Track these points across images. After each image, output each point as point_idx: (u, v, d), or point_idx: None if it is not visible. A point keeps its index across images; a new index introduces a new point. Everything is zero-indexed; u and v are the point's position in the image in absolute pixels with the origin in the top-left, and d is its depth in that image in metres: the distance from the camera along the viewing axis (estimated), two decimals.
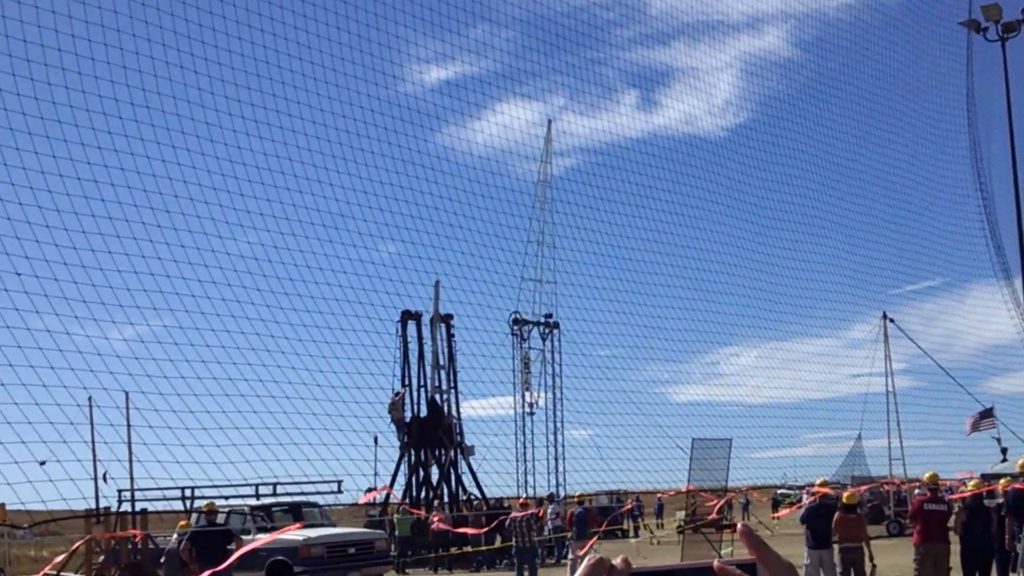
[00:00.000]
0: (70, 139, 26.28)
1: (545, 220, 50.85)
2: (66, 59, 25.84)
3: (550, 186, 50.56)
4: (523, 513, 30.32)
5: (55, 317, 25.19)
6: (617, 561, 1.08)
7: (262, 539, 23.54)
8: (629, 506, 48.29)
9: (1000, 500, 19.90)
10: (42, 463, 24.44)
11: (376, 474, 42.46)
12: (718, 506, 33.80)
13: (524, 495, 39.73)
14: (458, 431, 46.83)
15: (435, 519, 38.63)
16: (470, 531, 33.35)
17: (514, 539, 30.62)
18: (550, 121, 46.40)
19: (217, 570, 18.99)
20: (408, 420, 45.60)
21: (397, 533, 37.60)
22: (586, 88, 43.95)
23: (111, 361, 26.90)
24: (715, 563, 1.07)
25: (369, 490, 41.13)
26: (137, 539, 24.83)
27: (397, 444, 45.61)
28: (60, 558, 24.33)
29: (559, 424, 55.59)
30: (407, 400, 46.33)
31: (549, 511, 40.69)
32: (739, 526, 1.18)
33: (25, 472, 23.50)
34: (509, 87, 42.56)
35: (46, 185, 25.57)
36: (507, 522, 31.52)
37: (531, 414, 55.01)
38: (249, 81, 30.88)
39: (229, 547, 20.33)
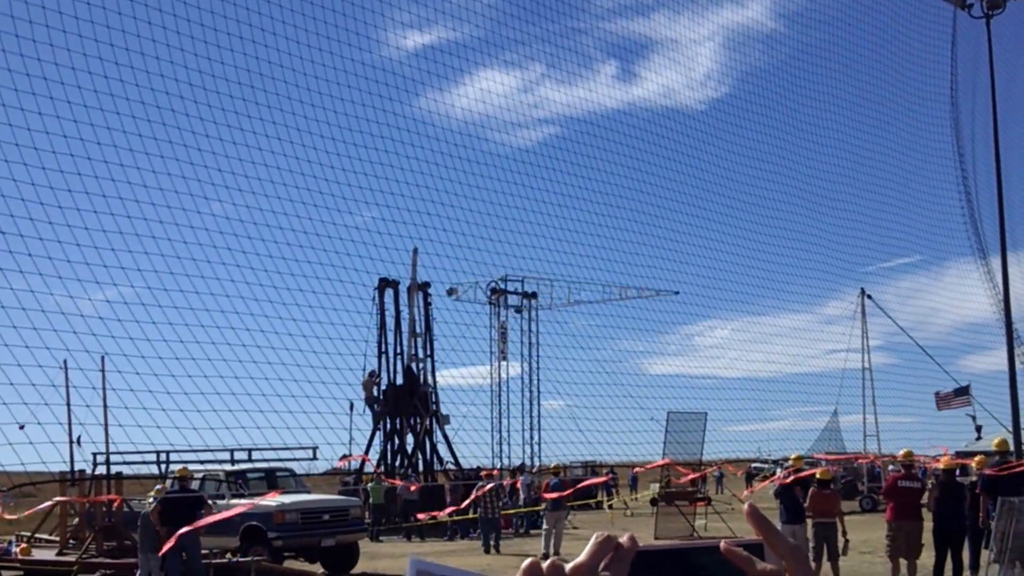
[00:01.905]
0: (53, 96, 26.06)
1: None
2: (45, 16, 25.59)
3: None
4: (488, 487, 30.39)
5: (38, 277, 25.05)
6: (624, 539, 1.07)
7: (234, 509, 23.58)
8: (605, 479, 48.43)
9: (974, 478, 20.01)
10: (21, 427, 24.36)
11: (352, 440, 42.57)
12: (690, 478, 33.97)
13: (491, 467, 39.73)
14: (434, 400, 46.84)
15: (412, 488, 38.68)
16: (440, 514, 33.42)
17: (479, 509, 30.77)
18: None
19: (181, 532, 19.02)
20: (381, 399, 45.58)
21: (371, 501, 37.62)
22: (565, 56, 43.76)
23: (89, 323, 26.79)
24: (722, 544, 1.06)
25: (344, 456, 41.22)
26: (116, 505, 24.78)
27: (371, 415, 45.67)
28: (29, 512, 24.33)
29: (535, 394, 55.75)
30: (383, 371, 46.32)
31: (522, 481, 40.80)
32: (746, 507, 1.13)
33: (5, 434, 23.41)
34: (489, 53, 42.28)
35: (31, 141, 25.37)
36: (473, 492, 31.66)
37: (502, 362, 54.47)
38: (232, 43, 30.63)
39: (200, 513, 20.30)
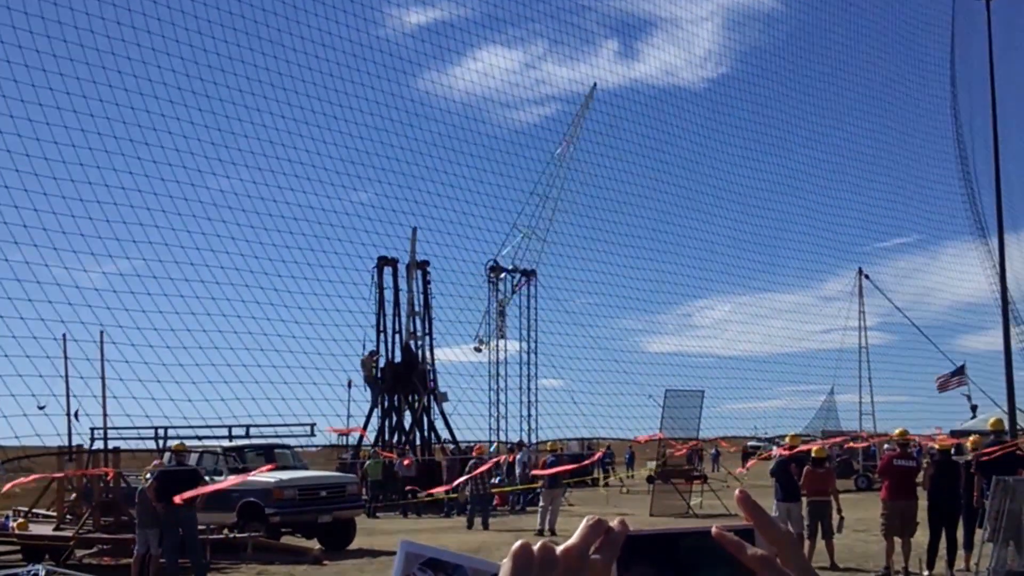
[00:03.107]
0: (49, 70, 26.03)
1: (558, 175, 50.42)
2: None
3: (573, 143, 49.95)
4: (483, 468, 30.43)
5: (34, 249, 25.09)
6: (614, 523, 1.07)
7: (230, 480, 23.64)
8: (600, 454, 48.47)
9: (969, 457, 20.06)
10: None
11: (350, 415, 42.61)
12: (684, 450, 34.05)
13: (480, 443, 39.74)
14: (432, 377, 46.87)
15: (406, 463, 38.75)
16: (438, 490, 33.53)
17: (470, 486, 30.82)
18: (595, 84, 45.76)
19: (185, 497, 19.10)
20: (380, 378, 45.59)
21: (368, 478, 37.71)
22: (567, 32, 43.69)
23: (87, 295, 26.84)
24: (713, 529, 1.07)
25: (341, 433, 41.34)
26: (109, 477, 24.80)
27: (370, 393, 45.69)
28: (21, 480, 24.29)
29: (533, 373, 55.75)
30: (382, 349, 46.34)
31: (518, 458, 40.87)
32: (737, 492, 1.14)
33: (2, 410, 23.47)
34: (488, 34, 42.23)
35: (26, 114, 25.36)
36: (465, 468, 31.74)
37: (478, 351, 54.52)
38: (234, 22, 30.58)
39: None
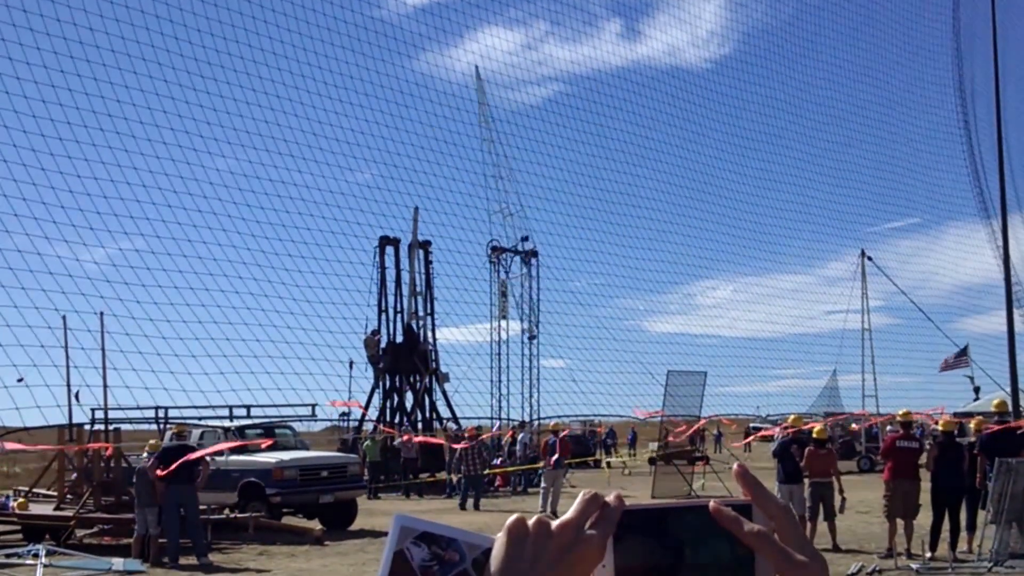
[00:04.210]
0: (42, 47, 25.90)
1: (497, 153, 50.54)
2: None
3: (494, 122, 50.16)
4: (464, 444, 30.43)
5: (39, 231, 25.03)
6: (610, 498, 1.07)
7: (224, 445, 23.58)
8: (599, 429, 48.51)
9: (972, 438, 19.98)
10: (20, 379, 24.38)
11: (351, 395, 42.56)
12: (688, 433, 33.99)
13: (471, 426, 39.72)
14: (433, 358, 46.82)
15: (404, 439, 38.71)
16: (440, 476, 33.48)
17: (463, 467, 30.81)
18: (476, 68, 45.56)
19: (170, 470, 19.10)
20: (382, 355, 45.54)
21: (368, 459, 37.72)
22: (569, 14, 43.54)
23: (89, 279, 26.78)
24: (711, 504, 1.06)
25: (342, 415, 41.33)
26: (107, 453, 24.79)
27: (372, 373, 45.66)
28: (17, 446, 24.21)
29: (535, 353, 55.72)
30: (383, 329, 46.28)
31: (519, 439, 40.85)
32: (735, 467, 1.13)
33: (10, 393, 23.45)
34: (492, 9, 42.06)
35: (12, 105, 25.21)
36: (456, 452, 31.72)
37: (532, 337, 54.80)
38: (235, 2, 30.42)
39: (197, 468, 20.28)
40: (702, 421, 36.65)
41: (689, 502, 1.07)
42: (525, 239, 53.21)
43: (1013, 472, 16.65)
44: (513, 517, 1.04)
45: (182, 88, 29.34)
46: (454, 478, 32.93)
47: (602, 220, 46.45)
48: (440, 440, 30.56)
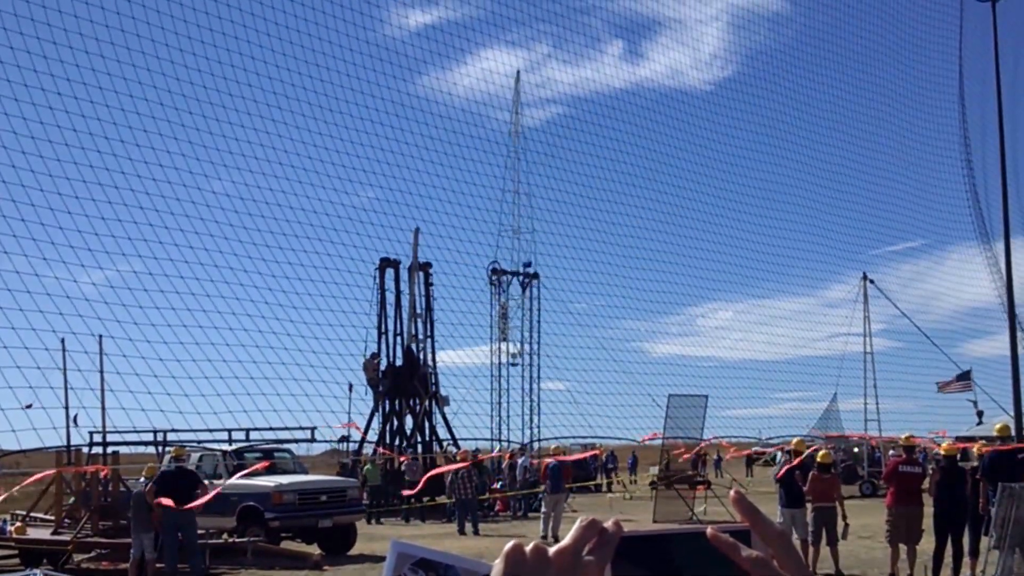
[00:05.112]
0: (40, 70, 25.87)
1: (520, 170, 50.72)
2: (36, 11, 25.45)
3: (523, 136, 50.42)
4: (456, 466, 30.30)
5: (37, 255, 24.96)
6: (608, 524, 1.07)
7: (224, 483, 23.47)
8: (597, 451, 48.34)
9: (975, 463, 19.87)
10: (28, 406, 24.29)
11: (350, 418, 42.40)
12: (687, 455, 33.85)
13: (464, 449, 39.62)
14: (433, 381, 46.70)
15: (403, 460, 38.55)
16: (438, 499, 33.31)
17: (455, 492, 30.70)
18: (519, 72, 45.99)
19: (186, 508, 18.95)
20: (381, 378, 45.44)
21: (369, 482, 37.58)
22: (570, 37, 43.59)
23: (88, 303, 26.73)
24: (708, 530, 1.05)
25: (341, 438, 41.21)
26: (103, 475, 24.70)
27: (371, 396, 45.55)
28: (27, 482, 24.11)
29: (535, 375, 55.65)
30: (383, 352, 46.16)
31: (519, 463, 40.70)
32: (732, 493, 1.16)
33: (8, 418, 23.37)
34: (492, 33, 42.07)
35: (11, 126, 25.20)
36: (447, 476, 31.62)
37: (514, 364, 55.07)
38: (234, 24, 30.43)
39: (196, 492, 20.19)
40: (702, 444, 36.50)
41: (687, 528, 1.06)
42: (527, 265, 53.27)
43: (1016, 497, 16.53)
44: (511, 543, 1.05)
45: (178, 112, 29.33)
46: (449, 502, 32.76)
47: (604, 241, 46.28)
48: (445, 468, 30.42)
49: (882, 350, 57.40)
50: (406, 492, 32.37)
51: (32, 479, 25.21)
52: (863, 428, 49.48)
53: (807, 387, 66.71)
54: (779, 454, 33.86)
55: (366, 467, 39.20)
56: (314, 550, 24.81)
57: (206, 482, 21.47)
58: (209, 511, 21.83)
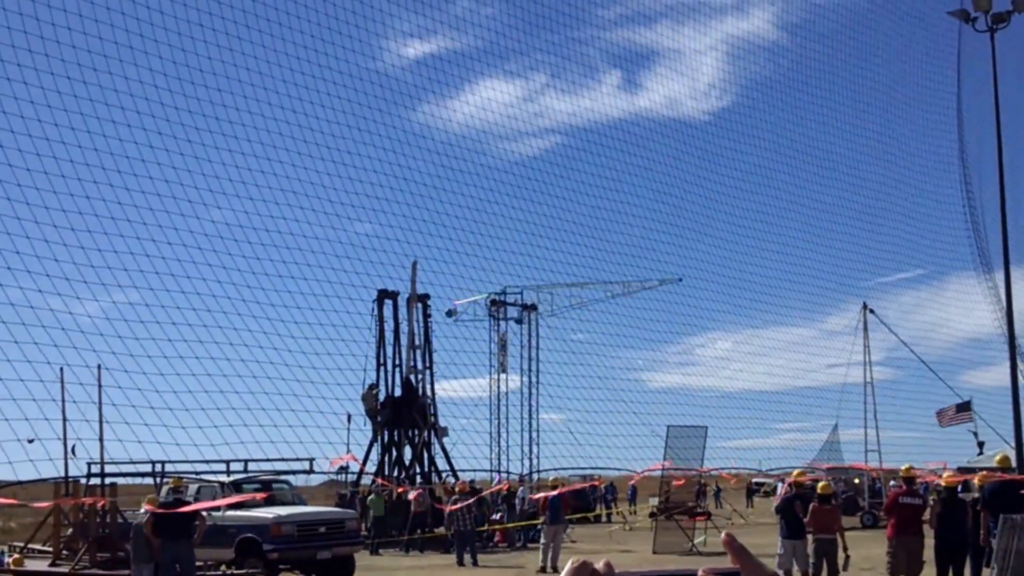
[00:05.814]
0: (36, 101, 25.96)
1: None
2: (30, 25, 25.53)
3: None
4: (466, 503, 30.18)
5: (33, 284, 24.97)
6: (600, 565, 1.06)
7: (220, 502, 23.33)
8: (597, 482, 48.22)
9: (976, 494, 19.81)
10: (30, 440, 24.24)
11: (349, 450, 42.27)
12: (682, 482, 33.76)
13: (462, 480, 39.49)
14: (432, 412, 46.61)
15: (412, 496, 38.40)
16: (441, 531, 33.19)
17: (453, 523, 30.57)
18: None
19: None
20: (381, 409, 45.35)
21: (372, 513, 37.46)
22: (568, 67, 43.75)
23: (85, 334, 26.66)
24: (699, 572, 1.05)
25: (340, 469, 41.06)
26: (100, 505, 24.59)
27: (370, 427, 45.46)
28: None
29: (534, 406, 55.57)
30: (381, 383, 46.10)
31: (518, 494, 40.55)
32: (723, 535, 1.13)
33: (6, 452, 23.30)
34: (490, 62, 42.29)
35: (6, 159, 25.24)
36: (446, 510, 31.49)
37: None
38: (232, 54, 30.53)
39: (194, 523, 20.12)
40: (699, 471, 36.41)
41: (678, 569, 1.08)
42: (527, 305, 53.23)
43: (1018, 529, 16.47)
44: None
45: (176, 140, 29.40)
46: (448, 533, 32.62)
47: (601, 270, 46.35)
48: (457, 506, 30.27)
49: (882, 380, 57.25)
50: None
51: (34, 505, 25.13)
52: (863, 459, 49.27)
53: (807, 417, 66.66)
54: (779, 484, 33.78)
55: (369, 498, 39.09)
56: None
57: (204, 514, 21.36)
58: (207, 543, 21.73)
